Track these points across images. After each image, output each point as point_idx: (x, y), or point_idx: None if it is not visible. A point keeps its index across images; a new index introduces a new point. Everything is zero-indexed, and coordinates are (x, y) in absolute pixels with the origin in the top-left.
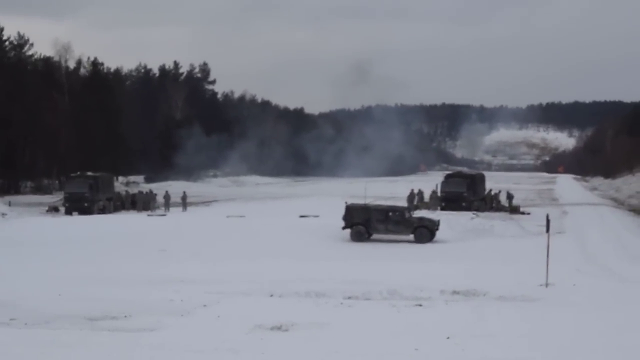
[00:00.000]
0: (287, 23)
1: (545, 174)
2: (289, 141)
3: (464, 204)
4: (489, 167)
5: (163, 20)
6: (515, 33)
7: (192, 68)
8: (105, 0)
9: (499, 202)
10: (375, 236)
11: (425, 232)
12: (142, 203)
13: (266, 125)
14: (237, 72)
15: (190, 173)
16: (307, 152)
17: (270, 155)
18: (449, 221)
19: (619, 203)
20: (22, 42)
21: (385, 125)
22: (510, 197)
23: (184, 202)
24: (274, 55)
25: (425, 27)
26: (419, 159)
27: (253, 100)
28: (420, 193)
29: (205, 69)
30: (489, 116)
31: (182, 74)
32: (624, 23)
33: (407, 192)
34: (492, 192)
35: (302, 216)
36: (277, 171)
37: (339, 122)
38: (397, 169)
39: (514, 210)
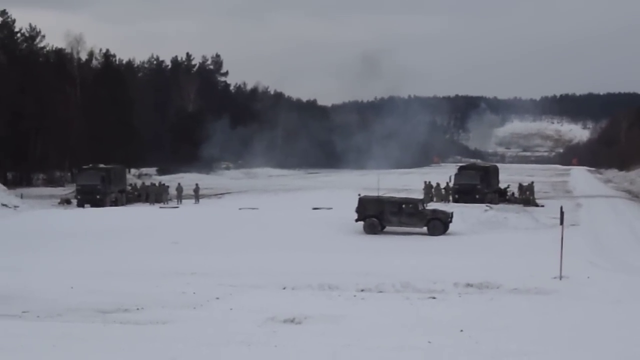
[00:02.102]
0: (300, 15)
1: (559, 166)
2: (303, 133)
3: (477, 196)
4: (503, 159)
5: (175, 13)
6: (530, 25)
7: (205, 60)
8: None
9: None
10: (388, 228)
11: (439, 224)
12: (154, 195)
13: (279, 117)
14: (250, 64)
15: (202, 165)
16: (320, 144)
17: (284, 147)
18: (463, 213)
19: (633, 195)
20: (33, 34)
21: (399, 117)
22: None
23: (197, 195)
24: (286, 47)
25: (439, 19)
26: (432, 151)
27: (266, 92)
28: (437, 185)
29: (217, 61)
30: (502, 108)
31: (195, 65)
32: (639, 13)
33: (421, 185)
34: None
35: (315, 208)
36: (290, 163)
37: (352, 114)
38: (410, 160)
39: (528, 202)
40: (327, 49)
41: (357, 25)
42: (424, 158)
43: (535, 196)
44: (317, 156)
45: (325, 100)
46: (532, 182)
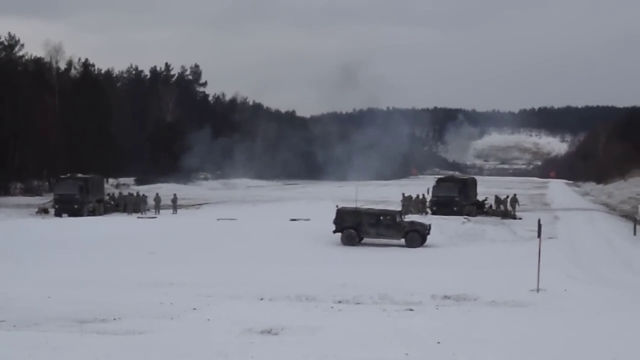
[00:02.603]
0: (279, 26)
1: (537, 179)
2: (281, 144)
3: (455, 208)
4: (481, 171)
5: (154, 23)
6: (508, 38)
7: (184, 70)
8: (97, 1)
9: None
10: (366, 240)
11: (417, 236)
12: (132, 205)
13: (258, 128)
14: (229, 75)
15: (181, 175)
16: (299, 155)
17: (263, 158)
18: (440, 226)
19: (610, 208)
20: (12, 43)
21: (377, 128)
22: (506, 201)
23: (175, 205)
24: (265, 58)
25: (418, 31)
26: (411, 163)
27: (245, 103)
28: (417, 197)
29: (196, 71)
30: (481, 120)
31: (174, 75)
32: (617, 28)
33: (399, 196)
34: (505, 197)
35: (293, 219)
36: (268, 174)
37: (331, 125)
38: (389, 172)
39: (506, 214)
40: (306, 60)
41: (336, 36)
42: (402, 170)
43: (516, 208)
44: (296, 167)
45: (304, 111)
46: (515, 195)
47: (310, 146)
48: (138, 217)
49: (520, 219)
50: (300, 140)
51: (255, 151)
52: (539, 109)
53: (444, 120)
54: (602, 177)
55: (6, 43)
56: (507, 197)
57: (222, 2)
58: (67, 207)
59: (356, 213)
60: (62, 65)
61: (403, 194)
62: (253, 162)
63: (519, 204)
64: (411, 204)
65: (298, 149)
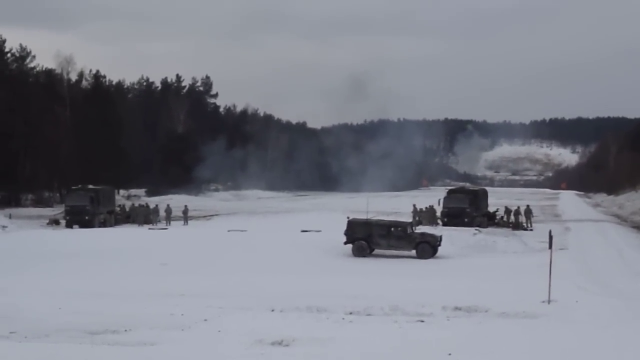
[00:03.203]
0: (290, 37)
1: (548, 190)
2: (292, 155)
3: (466, 219)
4: (492, 182)
5: (165, 34)
6: (519, 49)
7: (194, 81)
8: (108, 13)
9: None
10: (377, 251)
11: (428, 247)
12: (142, 216)
13: (269, 139)
14: (240, 86)
15: (191, 187)
16: (310, 167)
17: (274, 169)
18: (451, 237)
19: (622, 220)
20: (24, 54)
21: (388, 140)
22: (512, 212)
23: (185, 216)
24: (276, 69)
25: (429, 42)
26: (422, 174)
27: (255, 114)
28: (428, 208)
29: (207, 82)
30: (492, 132)
31: (184, 87)
32: (627, 39)
33: (411, 208)
34: (516, 208)
35: (303, 231)
36: (279, 185)
37: (341, 136)
38: (400, 183)
39: (517, 226)
40: (316, 71)
41: (347, 47)
42: (413, 181)
43: (531, 220)
44: (306, 178)
45: (315, 122)
46: (528, 206)
47: (321, 157)
48: (149, 229)
49: (531, 230)
50: (311, 152)
51: (266, 162)
52: (550, 119)
53: (454, 131)
54: (613, 188)
55: (17, 54)
56: (519, 207)
57: (233, 13)
58: (78, 218)
59: (367, 224)
60: (73, 77)
61: (414, 206)
62: (264, 173)
63: (532, 215)
64: (422, 215)
65: (309, 160)
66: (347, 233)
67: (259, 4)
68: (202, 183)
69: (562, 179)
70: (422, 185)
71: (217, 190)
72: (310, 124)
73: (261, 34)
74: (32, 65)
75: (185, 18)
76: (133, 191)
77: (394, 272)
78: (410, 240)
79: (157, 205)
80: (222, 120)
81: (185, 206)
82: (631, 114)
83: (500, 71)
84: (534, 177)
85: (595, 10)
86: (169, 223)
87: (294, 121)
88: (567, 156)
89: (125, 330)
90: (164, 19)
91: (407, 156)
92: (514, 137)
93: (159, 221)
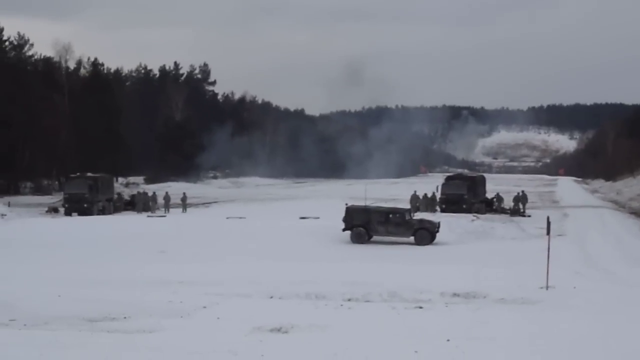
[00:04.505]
0: (288, 25)
1: (546, 176)
2: (290, 142)
3: (464, 206)
4: (490, 169)
5: (163, 22)
6: (517, 36)
7: (193, 69)
8: (106, 1)
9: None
10: (375, 238)
11: (426, 234)
12: (141, 204)
13: (267, 127)
14: (238, 74)
15: (190, 174)
16: (308, 154)
17: (272, 157)
18: (450, 223)
19: (619, 206)
20: (22, 43)
21: (386, 127)
22: (499, 199)
23: (184, 203)
24: (274, 57)
25: (427, 29)
26: (420, 161)
27: (253, 102)
28: (425, 196)
29: (205, 70)
30: (490, 118)
31: (183, 74)
32: (626, 26)
33: (409, 194)
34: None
35: (302, 218)
36: (277, 172)
37: (339, 123)
38: (398, 170)
39: (515, 212)
40: (314, 59)
41: (344, 35)
42: (411, 168)
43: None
44: (305, 165)
45: (313, 109)
46: (523, 191)
47: (319, 145)
48: (148, 216)
49: (529, 216)
50: (309, 139)
51: (264, 150)
52: (548, 106)
53: (452, 118)
54: (611, 175)
55: (15, 43)
56: (518, 194)
57: (231, 1)
58: (76, 206)
59: (365, 211)
60: (72, 65)
61: (415, 192)
62: (262, 160)
63: (527, 201)
64: (420, 201)
65: (308, 147)
66: (346, 220)
67: None
68: (201, 170)
69: (560, 165)
70: (421, 171)
71: (215, 177)
72: (309, 111)
73: (259, 21)
74: (30, 53)
75: (183, 5)
76: (132, 179)
77: (392, 258)
78: (409, 226)
79: (154, 193)
80: (220, 107)
81: (184, 193)
82: (629, 100)
83: (498, 58)
84: (532, 164)
85: None
86: (168, 210)
87: (292, 108)
88: (565, 142)
89: (124, 318)
90: (162, 6)
91: (405, 143)
92: (512, 123)
93: (158, 209)
